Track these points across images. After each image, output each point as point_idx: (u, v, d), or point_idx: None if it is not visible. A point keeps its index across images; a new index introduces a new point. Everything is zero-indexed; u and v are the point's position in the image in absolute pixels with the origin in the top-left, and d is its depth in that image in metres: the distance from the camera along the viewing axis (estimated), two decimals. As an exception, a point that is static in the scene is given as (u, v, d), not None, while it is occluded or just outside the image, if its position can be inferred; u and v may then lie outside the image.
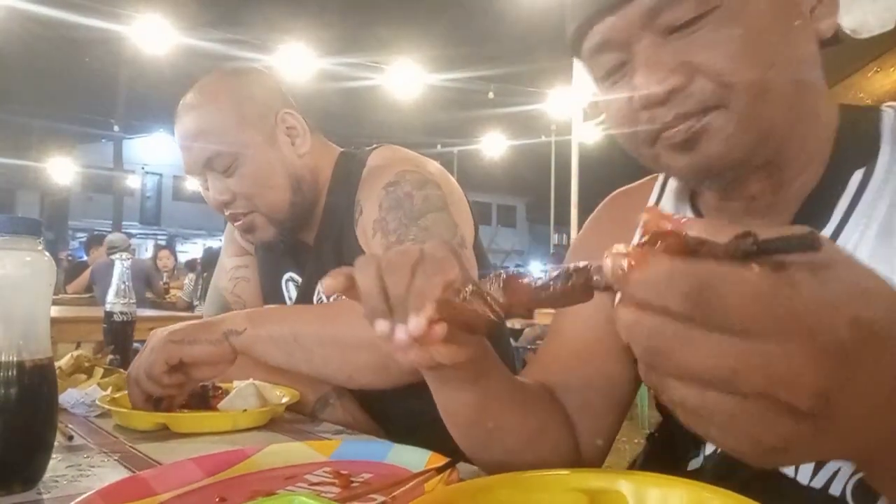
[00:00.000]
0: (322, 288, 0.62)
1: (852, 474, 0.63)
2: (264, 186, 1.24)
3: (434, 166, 1.27)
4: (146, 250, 20.06)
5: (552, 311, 0.96)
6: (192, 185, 1.46)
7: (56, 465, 0.79)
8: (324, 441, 0.86)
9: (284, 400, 1.10)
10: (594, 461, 0.83)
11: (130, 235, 9.30)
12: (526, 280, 0.52)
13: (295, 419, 1.10)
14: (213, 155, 1.22)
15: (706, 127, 0.64)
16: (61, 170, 17.93)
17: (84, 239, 11.39)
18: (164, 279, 8.32)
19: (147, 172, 23.71)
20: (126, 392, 1.17)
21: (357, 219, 1.23)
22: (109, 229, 16.75)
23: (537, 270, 0.54)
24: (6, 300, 0.71)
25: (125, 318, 1.47)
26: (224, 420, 1.01)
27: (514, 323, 7.30)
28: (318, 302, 1.31)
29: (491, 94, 9.85)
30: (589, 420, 0.82)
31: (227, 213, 1.27)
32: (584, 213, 5.92)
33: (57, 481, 0.74)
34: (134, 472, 0.76)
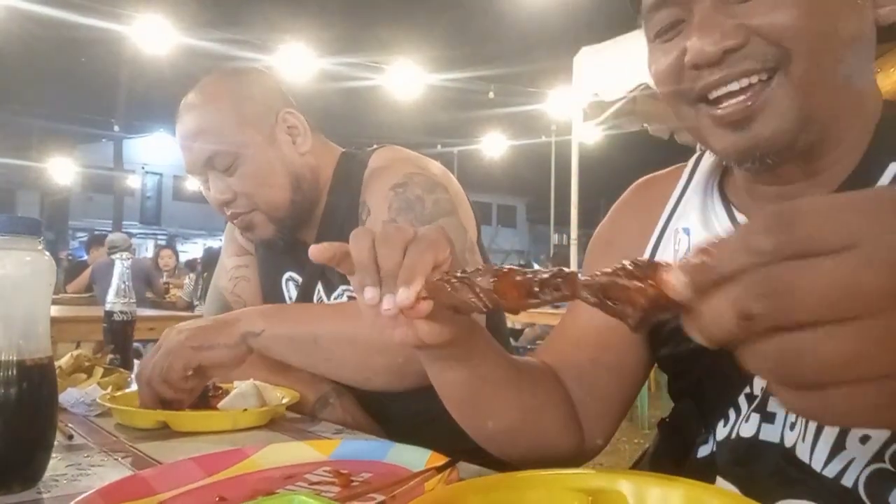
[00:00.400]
0: (311, 253, 0.63)
1: (867, 465, 0.63)
2: (265, 185, 1.24)
3: (437, 167, 1.28)
4: (146, 250, 20.08)
5: (554, 310, 0.97)
6: (193, 184, 1.46)
7: (56, 464, 0.79)
8: (324, 440, 0.86)
9: (284, 400, 1.10)
10: (595, 448, 0.84)
11: (131, 235, 9.32)
12: (517, 279, 0.53)
13: (295, 419, 1.10)
14: (214, 154, 1.22)
15: (764, 105, 0.63)
16: (61, 170, 17.95)
17: (84, 239, 11.41)
18: (165, 279, 8.33)
19: (147, 172, 23.73)
20: (126, 391, 1.17)
21: (364, 219, 1.23)
22: (110, 229, 16.77)
23: (532, 268, 0.54)
24: (6, 300, 0.71)
25: (125, 318, 1.47)
26: (224, 419, 1.01)
27: (514, 322, 7.30)
28: (318, 300, 1.31)
29: (491, 94, 9.87)
30: (595, 404, 0.83)
31: (227, 213, 1.27)
32: (585, 213, 5.92)
33: (57, 480, 0.74)
34: (134, 471, 0.76)
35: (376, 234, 0.61)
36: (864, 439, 0.63)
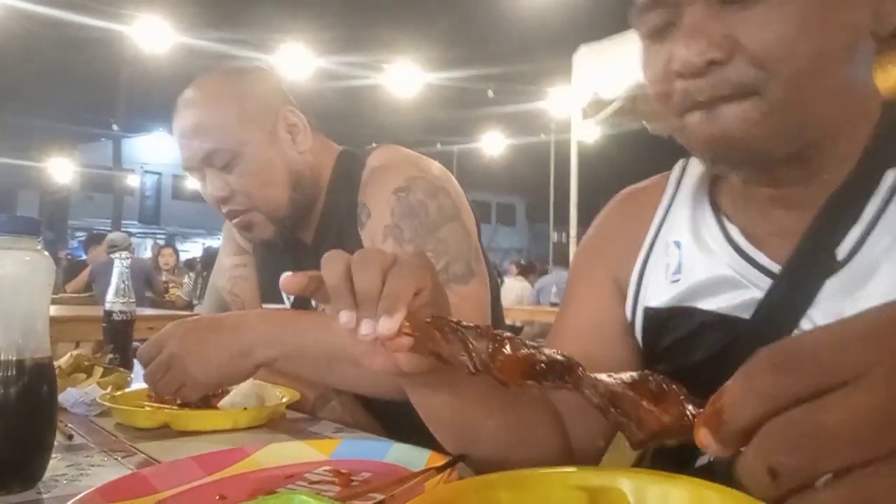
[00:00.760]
0: (282, 285, 0.61)
1: None
2: (264, 183, 1.23)
3: (437, 168, 1.27)
4: (145, 249, 20.07)
5: (552, 309, 0.96)
6: (192, 184, 1.45)
7: (56, 464, 0.79)
8: (324, 440, 0.86)
9: (284, 399, 1.10)
10: (587, 462, 0.81)
11: (130, 234, 9.31)
12: (519, 355, 0.50)
13: (295, 418, 1.10)
14: (213, 151, 1.21)
15: (733, 107, 0.62)
16: (61, 169, 17.95)
17: (84, 238, 11.39)
18: (164, 278, 8.33)
19: (146, 171, 23.73)
20: (126, 391, 1.18)
21: (364, 222, 1.22)
22: (109, 228, 16.77)
23: (534, 344, 0.51)
24: (5, 299, 0.71)
25: (125, 318, 1.47)
26: (224, 418, 1.01)
27: (514, 321, 7.31)
28: (316, 307, 1.30)
29: (490, 93, 9.87)
30: (582, 422, 0.80)
31: (224, 210, 1.26)
32: (584, 211, 5.92)
33: (57, 480, 0.74)
34: (134, 470, 0.76)
35: (352, 258, 0.58)
36: None
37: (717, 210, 0.78)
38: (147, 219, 24.83)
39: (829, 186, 0.67)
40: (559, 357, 0.49)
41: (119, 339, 1.46)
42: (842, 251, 0.65)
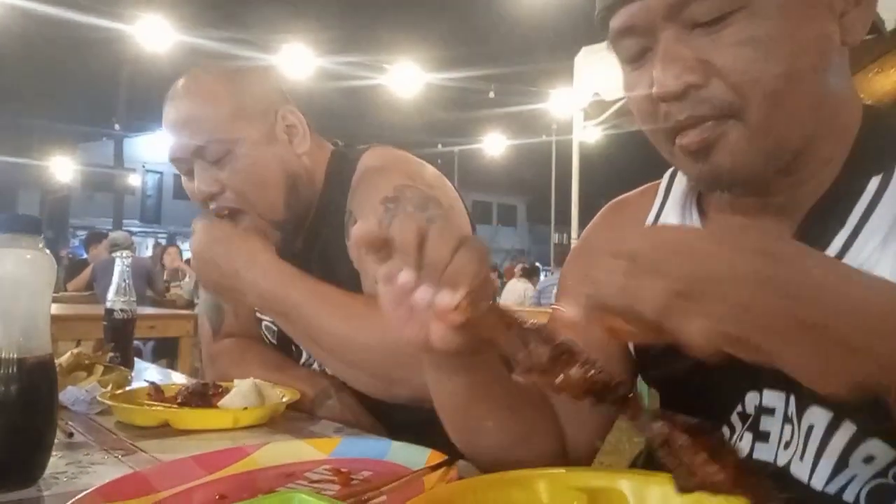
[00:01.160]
0: (356, 230, 0.61)
1: (868, 480, 0.63)
2: (258, 184, 1.19)
3: (430, 173, 1.23)
4: (146, 248, 20.07)
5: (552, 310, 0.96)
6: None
7: (56, 462, 0.79)
8: (324, 439, 0.86)
9: (284, 399, 1.10)
10: (581, 461, 0.82)
11: (131, 234, 9.30)
12: (581, 370, 0.49)
13: (295, 417, 1.10)
14: (206, 142, 1.17)
15: (719, 138, 0.63)
16: (62, 168, 17.95)
17: (84, 237, 11.39)
18: (166, 277, 8.33)
19: (148, 171, 23.73)
20: (126, 389, 1.18)
21: (351, 230, 1.18)
22: (110, 227, 16.78)
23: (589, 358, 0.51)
24: (7, 298, 0.71)
25: (125, 316, 1.47)
26: (225, 417, 1.01)
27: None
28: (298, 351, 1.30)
29: (492, 94, 9.87)
30: (578, 422, 0.81)
31: (211, 207, 1.21)
32: (585, 212, 5.91)
33: (57, 478, 0.74)
34: (134, 469, 0.76)
35: (426, 228, 0.60)
36: (869, 459, 0.63)
37: (704, 218, 0.78)
38: (148, 218, 24.84)
39: (815, 193, 0.69)
40: (619, 381, 0.49)
41: (120, 338, 1.46)
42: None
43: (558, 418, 0.81)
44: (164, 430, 0.98)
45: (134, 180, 22.44)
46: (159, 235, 23.10)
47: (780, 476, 0.67)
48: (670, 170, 0.86)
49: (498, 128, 14.45)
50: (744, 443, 0.70)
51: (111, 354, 1.39)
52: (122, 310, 1.46)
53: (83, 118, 19.65)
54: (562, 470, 0.65)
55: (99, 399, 1.07)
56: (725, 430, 0.73)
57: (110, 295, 1.47)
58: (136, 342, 1.47)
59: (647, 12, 0.63)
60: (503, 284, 9.18)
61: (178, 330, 3.85)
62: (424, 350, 0.64)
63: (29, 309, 0.73)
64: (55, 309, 1.15)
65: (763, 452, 0.69)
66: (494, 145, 14.55)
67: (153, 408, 1.06)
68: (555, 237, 16.68)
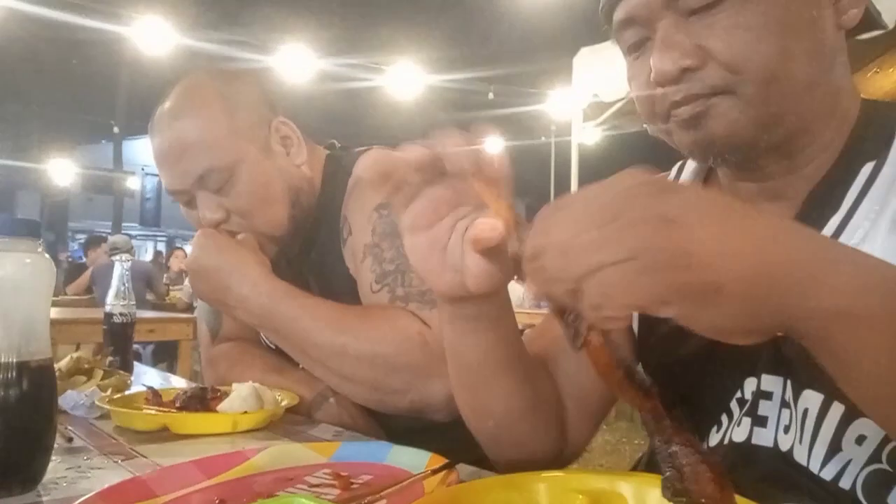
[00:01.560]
0: (413, 152, 0.64)
1: (864, 466, 0.63)
2: (262, 202, 1.16)
3: None
4: (146, 252, 20.07)
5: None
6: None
7: (56, 466, 0.79)
8: (323, 443, 0.86)
9: (283, 402, 1.10)
10: (578, 445, 0.85)
11: (130, 237, 9.29)
12: (627, 371, 0.49)
13: (294, 421, 1.10)
14: (207, 172, 1.12)
15: (710, 108, 0.66)
16: (61, 171, 17.93)
17: (84, 240, 11.39)
18: (171, 279, 8.36)
19: (147, 174, 23.71)
20: (126, 393, 1.17)
21: (345, 238, 1.18)
22: (109, 230, 16.78)
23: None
24: (6, 301, 0.71)
25: (125, 320, 1.47)
26: (224, 422, 1.01)
27: (519, 324, 7.28)
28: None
29: (491, 95, 9.87)
30: (578, 399, 0.83)
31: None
32: (585, 213, 5.89)
33: (57, 483, 0.74)
34: (133, 473, 0.76)
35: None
36: (860, 440, 0.64)
37: None
38: (148, 221, 24.84)
39: (813, 179, 0.71)
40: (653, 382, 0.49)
41: (119, 342, 1.46)
42: None
43: (561, 393, 0.83)
44: (164, 435, 0.97)
45: (133, 183, 22.41)
46: (159, 238, 23.13)
47: (784, 461, 0.68)
48: (677, 165, 0.89)
49: (497, 129, 14.48)
50: (742, 428, 0.71)
51: (110, 358, 1.39)
52: (121, 313, 1.46)
53: (82, 120, 19.68)
54: (562, 472, 0.65)
55: (98, 403, 1.07)
56: (724, 419, 0.74)
57: (110, 299, 1.47)
58: (135, 346, 1.47)
59: (646, 2, 0.67)
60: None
61: (178, 333, 3.85)
62: (460, 296, 0.65)
63: (28, 313, 0.73)
64: (55, 313, 1.15)
65: (761, 437, 0.70)
66: (493, 146, 14.55)
67: (152, 412, 1.06)
68: (554, 238, 16.65)
